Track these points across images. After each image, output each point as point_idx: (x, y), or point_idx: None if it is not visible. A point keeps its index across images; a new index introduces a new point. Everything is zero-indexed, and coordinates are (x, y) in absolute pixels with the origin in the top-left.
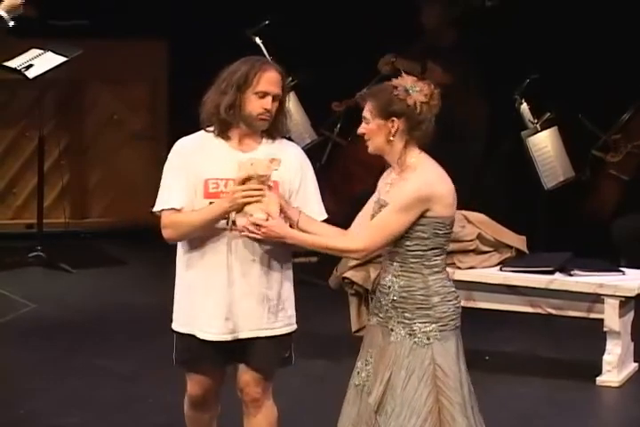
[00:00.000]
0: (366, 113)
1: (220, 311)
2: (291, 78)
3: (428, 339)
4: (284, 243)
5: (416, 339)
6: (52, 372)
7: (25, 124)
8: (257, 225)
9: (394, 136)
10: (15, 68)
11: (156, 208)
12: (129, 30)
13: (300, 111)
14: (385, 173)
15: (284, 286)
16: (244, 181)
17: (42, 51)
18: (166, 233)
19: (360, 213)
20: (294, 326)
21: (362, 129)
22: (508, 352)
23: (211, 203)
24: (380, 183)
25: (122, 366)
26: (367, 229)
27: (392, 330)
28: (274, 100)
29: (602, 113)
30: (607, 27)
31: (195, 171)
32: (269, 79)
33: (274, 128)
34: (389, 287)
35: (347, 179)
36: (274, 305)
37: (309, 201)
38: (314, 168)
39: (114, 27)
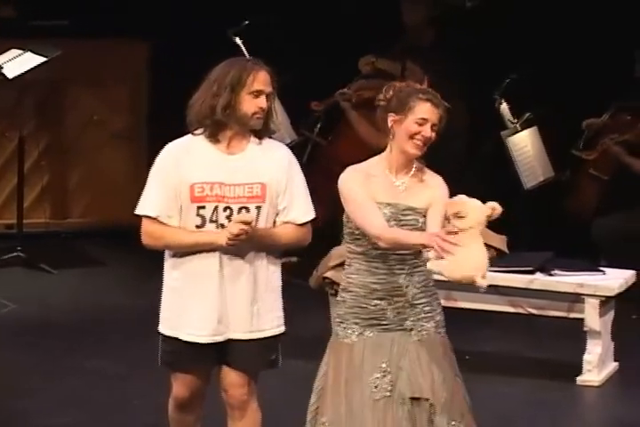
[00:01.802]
0: (438, 123)
1: (213, 314)
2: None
3: (444, 327)
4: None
5: (440, 329)
6: (37, 373)
7: (4, 124)
8: None
9: None
10: None
11: (137, 211)
12: (109, 31)
13: (281, 111)
14: (379, 178)
15: (272, 289)
16: None
17: (21, 51)
18: (144, 240)
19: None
20: (282, 328)
21: (432, 136)
22: (488, 352)
23: (199, 207)
24: (378, 187)
25: (105, 366)
26: None
27: (411, 330)
28: (267, 98)
29: (582, 113)
30: (587, 26)
31: (181, 175)
32: (262, 79)
33: (264, 127)
34: (406, 287)
35: (327, 178)
36: (262, 307)
37: (296, 202)
38: None
39: (94, 27)
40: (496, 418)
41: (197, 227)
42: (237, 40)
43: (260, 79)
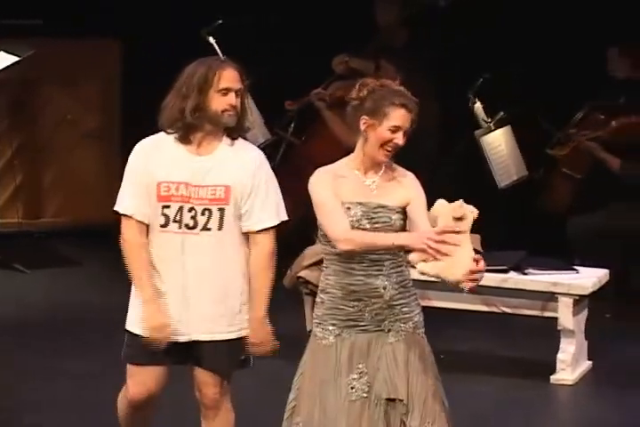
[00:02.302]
0: (409, 126)
1: (174, 314)
2: (244, 78)
3: (423, 327)
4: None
5: (419, 330)
6: (12, 372)
7: None
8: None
9: None
10: None
11: (117, 208)
12: (82, 30)
13: (254, 110)
14: (348, 178)
15: (240, 290)
16: None
17: None
18: (122, 239)
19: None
20: (242, 333)
21: (403, 142)
22: (462, 351)
23: (164, 207)
24: (347, 188)
25: (79, 365)
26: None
27: (389, 331)
28: (236, 95)
29: (555, 112)
30: (561, 25)
31: (150, 173)
32: (229, 76)
33: (238, 125)
34: (384, 288)
35: (300, 178)
36: (229, 308)
37: (258, 207)
38: None
39: (67, 26)
40: (470, 417)
41: (161, 226)
42: (211, 39)
43: (227, 77)
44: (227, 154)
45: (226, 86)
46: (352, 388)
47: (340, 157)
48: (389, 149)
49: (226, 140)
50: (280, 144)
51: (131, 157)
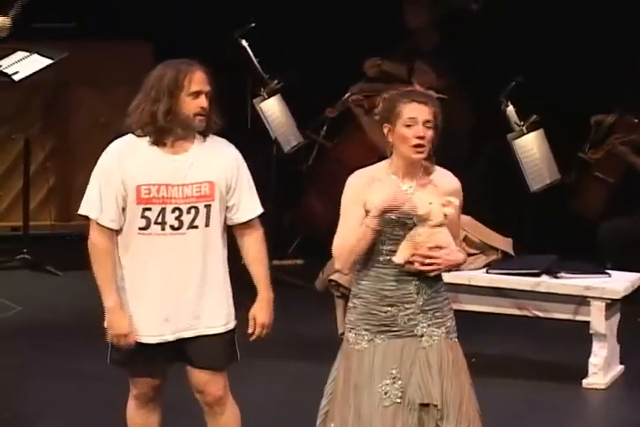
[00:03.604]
0: (430, 119)
1: (159, 313)
2: (277, 80)
3: (456, 332)
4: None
5: (452, 335)
6: (39, 374)
7: (11, 126)
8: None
9: (433, 144)
10: (1, 71)
11: (82, 211)
12: (114, 33)
13: (287, 114)
14: (385, 182)
15: (221, 284)
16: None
17: (28, 53)
18: (91, 243)
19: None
20: (234, 323)
21: (427, 135)
22: (494, 355)
23: (144, 209)
24: (381, 192)
25: (109, 369)
26: (456, 240)
27: (422, 336)
28: (206, 97)
29: (587, 115)
30: (592, 28)
31: (125, 177)
32: (199, 78)
33: (207, 126)
34: (416, 293)
35: (332, 181)
36: (217, 302)
37: (244, 199)
38: (300, 170)
39: (99, 29)
40: (501, 421)
41: (141, 229)
42: (243, 42)
43: (197, 79)
44: (202, 151)
45: (197, 89)
46: (385, 393)
47: (373, 161)
48: (415, 144)
49: (198, 137)
50: (312, 147)
51: (102, 160)
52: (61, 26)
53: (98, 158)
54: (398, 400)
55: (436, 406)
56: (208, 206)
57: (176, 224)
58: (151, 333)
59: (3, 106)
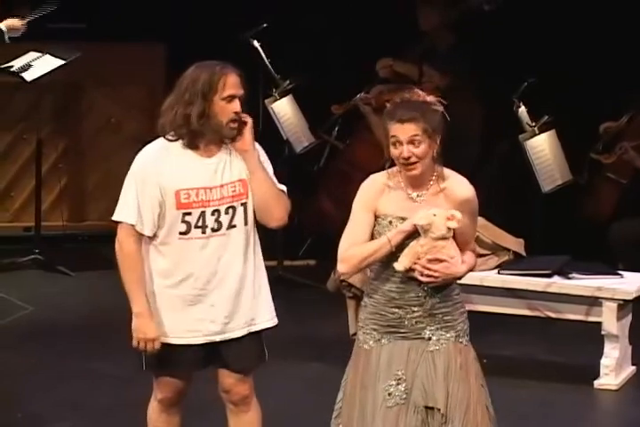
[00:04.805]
0: (417, 136)
1: (196, 316)
2: (289, 81)
3: (467, 335)
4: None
5: (462, 339)
6: (49, 375)
7: (23, 127)
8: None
9: (436, 153)
10: (13, 71)
11: (118, 217)
12: (127, 33)
13: (298, 114)
14: (396, 191)
15: (261, 282)
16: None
17: (40, 53)
18: (119, 248)
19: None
20: (276, 320)
21: (415, 153)
22: (505, 355)
23: (184, 214)
24: (392, 201)
25: (119, 369)
26: (470, 245)
27: (430, 339)
28: (239, 101)
29: (600, 116)
30: (605, 29)
31: (163, 182)
32: (233, 82)
33: (238, 132)
34: (425, 297)
35: (344, 182)
36: (252, 302)
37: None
38: (312, 171)
39: (112, 30)
40: (513, 421)
41: (182, 233)
42: (256, 43)
43: (231, 83)
44: (229, 151)
45: (231, 93)
46: (389, 394)
47: (384, 162)
48: (403, 163)
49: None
50: (324, 148)
51: (137, 165)
52: (73, 27)
53: (109, 158)
54: (402, 402)
55: (439, 409)
56: (244, 204)
57: (216, 226)
58: (185, 335)
59: (15, 106)
